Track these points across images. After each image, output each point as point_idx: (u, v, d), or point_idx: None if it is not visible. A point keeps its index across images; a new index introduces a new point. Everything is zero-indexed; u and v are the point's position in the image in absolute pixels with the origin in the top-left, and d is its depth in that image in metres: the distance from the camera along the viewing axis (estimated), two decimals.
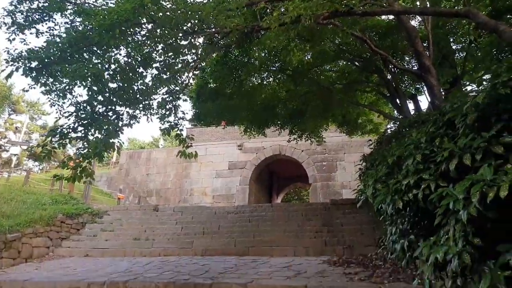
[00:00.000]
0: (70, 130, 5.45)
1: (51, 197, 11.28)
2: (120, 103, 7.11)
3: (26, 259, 7.73)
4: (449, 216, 2.31)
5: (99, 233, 9.51)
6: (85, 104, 5.80)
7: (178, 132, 7.45)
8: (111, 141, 6.25)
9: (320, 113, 8.59)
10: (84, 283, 5.53)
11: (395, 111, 9.17)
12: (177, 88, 8.03)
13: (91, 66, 5.40)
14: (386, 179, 3.33)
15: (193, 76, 8.09)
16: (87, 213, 10.53)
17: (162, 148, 21.87)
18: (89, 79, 5.79)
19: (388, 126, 8.26)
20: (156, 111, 7.89)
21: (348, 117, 9.96)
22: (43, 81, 6.00)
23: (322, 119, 9.19)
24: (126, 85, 6.73)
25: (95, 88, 6.47)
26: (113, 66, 6.08)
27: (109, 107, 6.67)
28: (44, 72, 5.48)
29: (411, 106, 8.39)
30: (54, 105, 6.23)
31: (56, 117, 5.73)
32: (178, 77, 7.21)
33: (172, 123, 7.71)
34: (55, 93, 6.39)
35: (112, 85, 6.88)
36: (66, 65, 5.35)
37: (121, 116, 6.72)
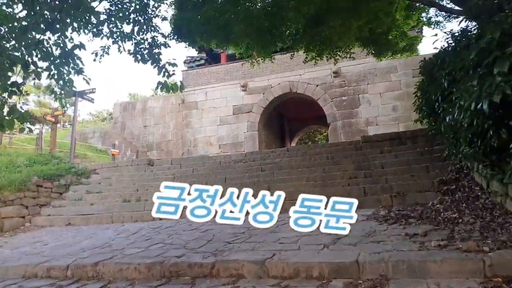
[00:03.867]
0: None
1: (28, 157, 9.69)
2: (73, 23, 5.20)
3: None
4: None
5: (84, 196, 8.01)
6: None
7: (156, 57, 5.53)
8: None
9: (349, 7, 6.05)
10: (42, 267, 4.04)
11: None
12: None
13: None
14: None
15: None
16: (71, 173, 8.95)
17: (158, 96, 19.79)
18: None
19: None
20: (128, 34, 5.96)
21: (377, 29, 7.55)
22: None
23: (352, 18, 6.56)
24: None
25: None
26: None
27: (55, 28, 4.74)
28: None
29: None
30: None
31: None
32: None
33: (147, 47, 5.81)
34: None
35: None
36: None
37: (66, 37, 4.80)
